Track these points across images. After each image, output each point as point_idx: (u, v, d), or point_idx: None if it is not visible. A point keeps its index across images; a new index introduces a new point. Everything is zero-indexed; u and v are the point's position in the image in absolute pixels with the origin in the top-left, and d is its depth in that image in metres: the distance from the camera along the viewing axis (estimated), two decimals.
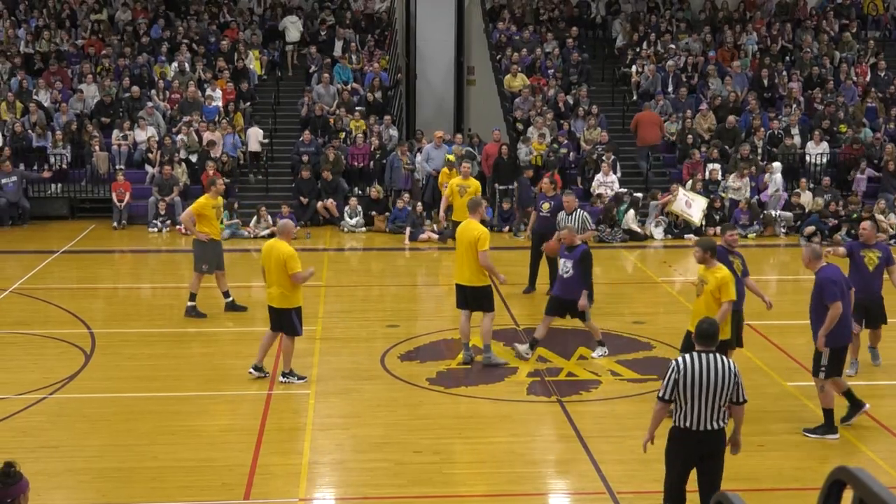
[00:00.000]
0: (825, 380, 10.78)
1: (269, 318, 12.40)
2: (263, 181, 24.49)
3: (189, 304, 15.47)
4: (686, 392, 7.70)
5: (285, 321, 12.20)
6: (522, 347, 13.36)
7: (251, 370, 12.47)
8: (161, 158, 23.61)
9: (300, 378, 12.38)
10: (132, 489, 9.57)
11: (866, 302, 12.29)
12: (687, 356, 7.82)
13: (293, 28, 28.97)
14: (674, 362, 7.86)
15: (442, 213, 19.94)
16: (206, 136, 24.15)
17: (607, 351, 13.55)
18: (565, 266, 13.14)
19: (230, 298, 15.65)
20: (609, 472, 9.89)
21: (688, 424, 7.76)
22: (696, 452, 7.86)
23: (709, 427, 7.75)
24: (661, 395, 7.87)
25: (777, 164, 23.62)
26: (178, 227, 21.70)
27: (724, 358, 7.87)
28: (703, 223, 22.25)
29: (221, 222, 18.06)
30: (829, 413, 10.85)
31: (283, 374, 12.35)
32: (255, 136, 25.17)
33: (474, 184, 18.57)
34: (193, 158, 23.97)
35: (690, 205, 22.28)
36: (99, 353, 13.74)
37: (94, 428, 11.05)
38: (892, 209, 22.40)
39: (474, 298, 12.88)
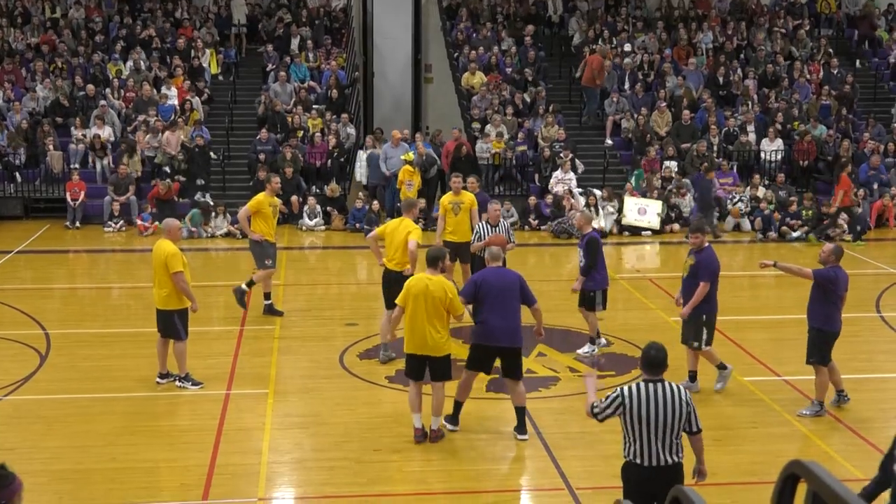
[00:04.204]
0: (466, 368, 10.83)
1: (157, 322, 12.21)
2: (221, 181, 24.30)
3: (266, 303, 15.29)
4: (633, 426, 7.12)
5: (167, 324, 12.02)
6: (583, 350, 13.54)
7: (157, 380, 12.28)
8: (118, 158, 23.40)
9: (195, 384, 12.16)
10: (90, 491, 9.49)
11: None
12: (633, 386, 7.21)
13: (239, 10, 28.99)
14: (618, 389, 7.25)
15: (438, 238, 16.28)
16: (166, 136, 23.92)
17: (595, 350, 13.63)
18: (580, 255, 13.32)
19: (269, 301, 15.41)
20: (568, 468, 9.95)
21: (639, 461, 7.16)
22: (650, 491, 6.99)
23: (662, 462, 7.13)
24: (595, 412, 7.30)
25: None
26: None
27: (674, 386, 7.24)
28: (662, 219, 22.42)
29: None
30: (520, 410, 10.74)
31: (178, 379, 12.17)
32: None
33: (468, 198, 15.59)
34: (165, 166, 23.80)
35: (644, 211, 22.40)
36: (54, 353, 13.62)
37: (50, 429, 10.94)
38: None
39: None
